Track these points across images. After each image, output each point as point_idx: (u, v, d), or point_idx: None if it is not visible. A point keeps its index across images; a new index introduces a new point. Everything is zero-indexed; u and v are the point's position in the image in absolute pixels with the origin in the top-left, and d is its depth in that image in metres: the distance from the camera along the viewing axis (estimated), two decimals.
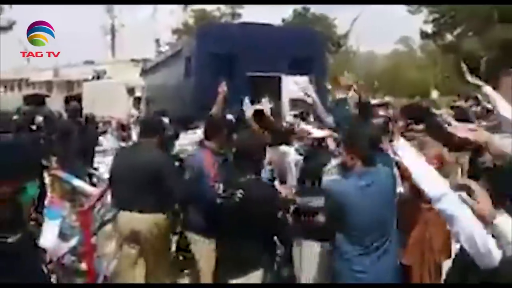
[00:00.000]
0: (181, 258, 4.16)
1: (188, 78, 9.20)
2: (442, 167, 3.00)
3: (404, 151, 2.31)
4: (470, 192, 1.69)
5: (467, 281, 1.91)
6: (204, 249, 3.37)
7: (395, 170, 2.87)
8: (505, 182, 1.93)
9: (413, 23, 40.73)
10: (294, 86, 7.09)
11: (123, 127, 9.21)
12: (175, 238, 4.13)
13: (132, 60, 24.99)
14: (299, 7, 36.32)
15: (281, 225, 2.99)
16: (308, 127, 3.71)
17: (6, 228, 1.51)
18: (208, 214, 3.17)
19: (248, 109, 4.81)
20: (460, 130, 2.61)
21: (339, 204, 2.67)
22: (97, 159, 7.29)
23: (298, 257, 3.35)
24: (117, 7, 40.12)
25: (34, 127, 6.53)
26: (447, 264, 2.68)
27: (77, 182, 4.06)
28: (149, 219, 3.44)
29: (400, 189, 2.97)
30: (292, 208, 3.34)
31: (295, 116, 5.96)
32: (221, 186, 2.93)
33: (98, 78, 21.11)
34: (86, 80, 21.71)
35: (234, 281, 2.79)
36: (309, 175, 3.35)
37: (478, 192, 1.68)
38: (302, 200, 3.27)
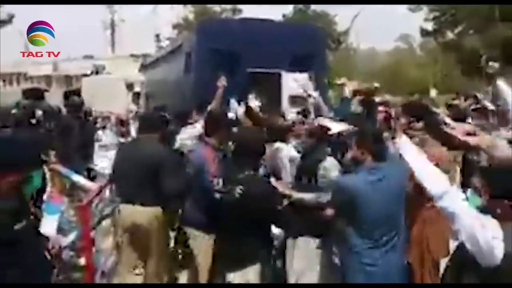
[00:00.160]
0: (179, 252, 4.15)
1: (188, 74, 9.16)
2: (441, 165, 3.00)
3: (406, 149, 2.30)
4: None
5: (463, 278, 1.91)
6: (203, 245, 3.39)
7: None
8: (500, 180, 1.94)
9: (414, 21, 40.77)
10: (293, 83, 7.07)
11: (122, 123, 9.18)
12: (173, 234, 4.13)
13: (132, 55, 24.95)
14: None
15: (280, 216, 2.98)
16: (326, 122, 3.66)
17: (12, 216, 1.59)
18: (209, 209, 3.18)
19: (235, 109, 4.82)
20: (458, 131, 2.61)
21: (350, 198, 2.69)
22: (99, 153, 7.28)
23: (291, 253, 3.34)
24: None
25: (33, 121, 6.50)
26: (444, 262, 2.69)
27: (76, 177, 4.05)
28: (150, 212, 3.48)
29: None
30: (285, 202, 3.32)
31: (297, 113, 5.94)
32: (220, 181, 2.94)
33: (97, 73, 21.06)
34: (85, 75, 21.65)
35: (231, 275, 2.81)
36: (306, 172, 3.36)
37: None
38: (310, 196, 3.23)
